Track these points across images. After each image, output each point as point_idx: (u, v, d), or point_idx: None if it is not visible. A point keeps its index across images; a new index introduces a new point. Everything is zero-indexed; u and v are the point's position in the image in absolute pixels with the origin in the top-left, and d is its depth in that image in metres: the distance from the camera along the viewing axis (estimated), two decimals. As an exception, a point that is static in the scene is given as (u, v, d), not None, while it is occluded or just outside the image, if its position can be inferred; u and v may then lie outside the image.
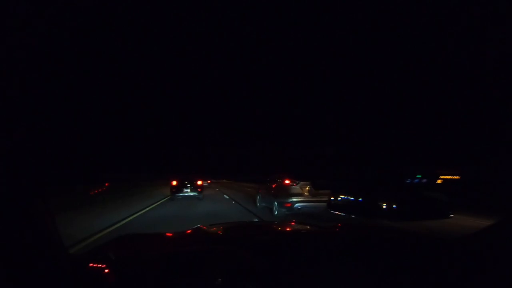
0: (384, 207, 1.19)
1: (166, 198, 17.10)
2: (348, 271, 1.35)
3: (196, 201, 14.68)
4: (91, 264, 1.26)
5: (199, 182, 16.01)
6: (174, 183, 15.95)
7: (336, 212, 1.25)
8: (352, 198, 1.25)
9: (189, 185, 15.70)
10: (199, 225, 2.05)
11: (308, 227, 2.16)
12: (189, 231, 1.99)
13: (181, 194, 15.64)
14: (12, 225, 1.06)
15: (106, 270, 1.24)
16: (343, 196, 1.28)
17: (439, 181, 1.12)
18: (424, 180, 1.10)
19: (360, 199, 1.23)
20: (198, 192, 15.62)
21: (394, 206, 1.17)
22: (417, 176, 1.10)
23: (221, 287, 1.08)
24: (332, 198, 1.33)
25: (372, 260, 1.48)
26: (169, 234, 2.01)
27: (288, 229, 2.15)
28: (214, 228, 2.07)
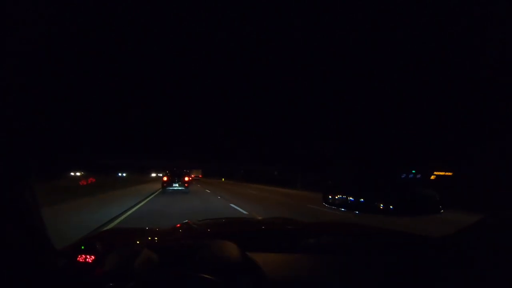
0: (379, 203, 1.19)
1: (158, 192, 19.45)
2: (334, 266, 1.37)
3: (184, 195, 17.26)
4: (79, 257, 1.24)
5: (186, 179, 20.18)
6: (165, 179, 19.97)
7: (333, 207, 1.25)
8: (347, 193, 1.24)
9: (177, 180, 19.64)
10: (187, 221, 2.05)
11: (295, 223, 2.18)
12: (178, 225, 1.99)
13: (171, 188, 19.49)
14: None
15: (94, 262, 1.22)
16: (339, 192, 1.28)
17: (432, 177, 1.12)
18: (419, 176, 1.10)
19: (355, 194, 1.22)
20: (185, 187, 19.77)
21: (388, 201, 1.17)
22: (412, 171, 1.10)
23: (210, 280, 1.08)
24: (327, 194, 1.32)
25: (353, 254, 1.50)
26: (157, 229, 2.01)
27: (275, 225, 2.16)
28: (202, 224, 2.07)
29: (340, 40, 0.56)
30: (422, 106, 0.81)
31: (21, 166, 1.05)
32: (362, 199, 1.24)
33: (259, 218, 3.13)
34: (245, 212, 10.49)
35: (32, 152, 0.95)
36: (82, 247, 1.26)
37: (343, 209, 1.27)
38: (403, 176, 1.15)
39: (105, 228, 6.51)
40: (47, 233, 1.22)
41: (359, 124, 0.89)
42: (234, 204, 12.39)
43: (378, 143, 1.06)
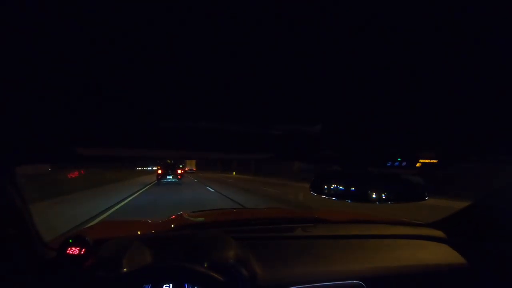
0: (367, 191, 1.21)
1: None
2: (329, 258, 1.40)
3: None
4: (69, 249, 1.23)
5: (179, 171, 21.75)
6: (160, 171, 21.15)
7: (321, 196, 1.26)
8: (337, 182, 1.25)
9: (171, 173, 21.04)
10: (181, 212, 2.04)
11: (288, 212, 2.20)
12: (173, 217, 1.98)
13: (165, 180, 20.78)
14: None
15: (84, 254, 1.22)
16: (328, 181, 1.29)
17: (418, 164, 1.14)
18: (404, 163, 1.12)
19: (345, 183, 1.24)
20: (178, 179, 21.27)
21: (376, 189, 1.19)
22: (398, 159, 1.11)
23: (205, 271, 1.09)
24: (315, 181, 1.33)
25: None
26: (150, 221, 2.00)
27: (269, 214, 2.18)
28: (197, 215, 2.07)
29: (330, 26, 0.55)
30: (409, 93, 0.81)
31: (4, 158, 1.01)
32: (352, 188, 1.26)
33: (253, 208, 3.16)
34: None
35: (16, 143, 0.92)
36: (70, 240, 1.25)
37: (334, 198, 1.29)
38: (389, 164, 1.17)
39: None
40: (35, 226, 1.20)
41: (344, 110, 0.89)
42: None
43: (364, 131, 1.06)
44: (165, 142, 1.05)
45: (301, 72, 0.64)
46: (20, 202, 1.13)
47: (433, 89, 0.72)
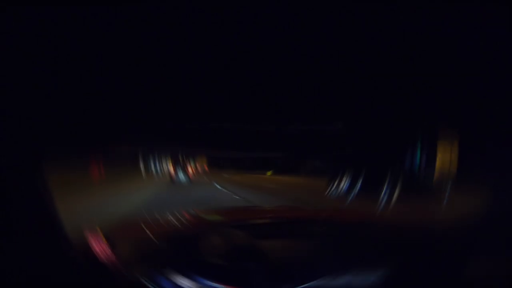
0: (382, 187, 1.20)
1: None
2: (340, 253, 1.37)
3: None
4: (93, 245, 1.26)
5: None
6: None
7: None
8: (351, 180, 1.24)
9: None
10: (193, 209, 2.06)
11: (301, 210, 2.17)
12: (186, 215, 1.99)
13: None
14: (8, 200, 1.02)
15: (107, 250, 1.24)
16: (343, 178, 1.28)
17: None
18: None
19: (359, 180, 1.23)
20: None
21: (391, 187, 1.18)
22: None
23: (220, 267, 1.09)
24: (331, 181, 1.33)
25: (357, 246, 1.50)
26: (166, 218, 2.03)
27: (282, 212, 2.17)
28: (209, 212, 2.08)
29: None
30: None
31: (34, 149, 1.02)
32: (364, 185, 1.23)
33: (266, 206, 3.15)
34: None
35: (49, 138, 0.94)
36: (94, 236, 1.28)
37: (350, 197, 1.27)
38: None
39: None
40: (60, 220, 1.22)
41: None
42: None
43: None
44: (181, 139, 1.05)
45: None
46: (50, 197, 1.14)
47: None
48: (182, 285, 1.08)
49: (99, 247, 1.27)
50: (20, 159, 1.02)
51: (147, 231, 1.59)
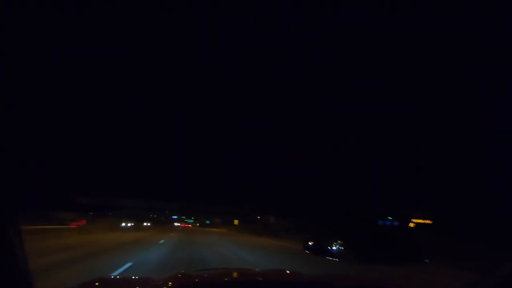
0: (358, 250, 1.14)
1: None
2: None
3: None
4: None
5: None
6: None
7: (315, 255, 1.20)
8: (327, 241, 1.19)
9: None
10: (182, 271, 1.95)
11: (294, 276, 2.10)
12: (174, 275, 1.88)
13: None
14: None
15: None
16: (316, 239, 1.24)
17: (411, 224, 1.09)
18: (396, 223, 1.07)
19: (336, 243, 1.17)
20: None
21: (367, 249, 1.12)
22: (388, 218, 1.06)
23: None
24: (308, 241, 1.28)
25: None
26: (149, 278, 1.87)
27: (274, 278, 2.08)
28: (199, 274, 1.98)
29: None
30: (401, 153, 0.80)
31: (9, 202, 0.98)
32: (342, 248, 1.21)
33: (257, 269, 3.01)
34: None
35: (21, 188, 0.91)
36: None
37: (328, 257, 1.23)
38: (380, 223, 1.13)
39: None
40: (30, 276, 1.13)
41: (337, 172, 0.88)
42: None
43: (354, 190, 1.03)
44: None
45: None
46: (21, 249, 1.08)
47: (431, 148, 0.72)
48: None
49: None
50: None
51: None
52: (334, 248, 1.25)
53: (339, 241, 1.21)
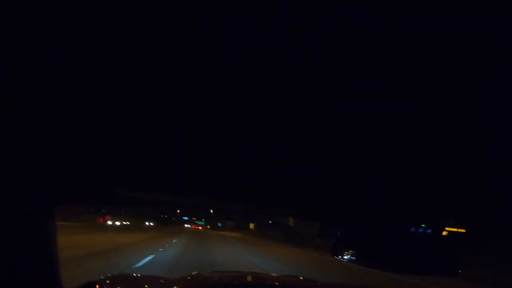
0: (388, 257, 1.10)
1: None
2: None
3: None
4: None
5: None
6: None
7: (343, 260, 1.16)
8: (356, 246, 1.15)
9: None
10: (197, 272, 1.97)
11: (309, 283, 2.09)
12: (188, 276, 1.91)
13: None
14: (13, 248, 0.96)
15: None
16: (346, 243, 1.19)
17: (444, 233, 1.06)
18: (429, 231, 1.03)
19: (364, 247, 1.14)
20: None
21: (399, 256, 1.09)
22: (422, 225, 1.03)
23: None
24: (336, 245, 1.24)
25: None
26: (165, 277, 1.94)
27: (288, 284, 2.06)
28: (213, 276, 2.01)
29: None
30: (434, 157, 0.78)
31: (47, 198, 0.96)
32: (372, 255, 1.17)
33: (273, 274, 3.01)
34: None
35: (57, 184, 0.93)
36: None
37: (355, 264, 1.19)
38: (412, 230, 1.09)
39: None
40: (59, 272, 1.11)
41: (363, 176, 0.85)
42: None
43: (383, 195, 1.02)
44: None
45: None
46: (54, 244, 1.08)
47: (466, 154, 0.70)
48: None
49: None
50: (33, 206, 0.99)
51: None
52: (353, 251, 1.21)
53: (367, 249, 1.17)
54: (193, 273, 1.99)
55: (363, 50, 0.47)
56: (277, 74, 0.53)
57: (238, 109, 0.56)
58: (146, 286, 1.74)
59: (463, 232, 1.10)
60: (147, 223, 49.79)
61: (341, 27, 0.42)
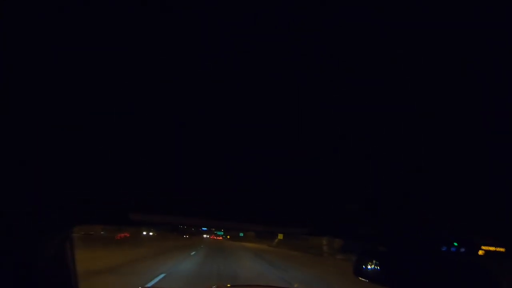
0: (417, 279, 1.03)
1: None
2: None
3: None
4: None
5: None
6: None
7: (366, 280, 1.10)
8: (381, 265, 1.08)
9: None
10: (216, 286, 1.96)
11: None
12: None
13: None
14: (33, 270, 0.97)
15: None
16: (371, 263, 1.13)
17: (481, 252, 1.01)
18: (462, 250, 0.97)
19: (390, 267, 1.07)
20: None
21: (429, 278, 1.01)
22: (454, 243, 0.96)
23: None
24: (359, 264, 1.15)
25: None
26: None
27: None
28: None
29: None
30: (466, 175, 0.74)
31: (65, 217, 0.98)
32: (400, 275, 1.10)
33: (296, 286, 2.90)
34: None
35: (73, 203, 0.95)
36: None
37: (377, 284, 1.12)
38: (444, 249, 1.01)
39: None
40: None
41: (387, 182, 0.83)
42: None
43: (415, 208, 0.96)
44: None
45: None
46: (72, 262, 1.08)
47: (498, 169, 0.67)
48: None
49: None
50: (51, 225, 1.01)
51: None
52: (377, 269, 1.14)
53: (396, 267, 1.10)
54: (212, 287, 1.97)
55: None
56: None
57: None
58: None
59: (502, 252, 1.03)
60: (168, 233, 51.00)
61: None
